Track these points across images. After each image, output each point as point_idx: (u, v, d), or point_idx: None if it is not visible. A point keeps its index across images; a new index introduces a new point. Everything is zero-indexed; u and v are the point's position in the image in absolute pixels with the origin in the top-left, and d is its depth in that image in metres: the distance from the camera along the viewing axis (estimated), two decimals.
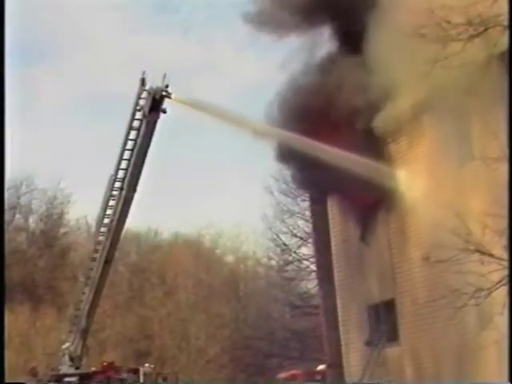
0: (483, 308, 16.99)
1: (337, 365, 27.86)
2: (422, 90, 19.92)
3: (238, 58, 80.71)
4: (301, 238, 44.79)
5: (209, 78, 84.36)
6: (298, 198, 43.20)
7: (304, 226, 43.62)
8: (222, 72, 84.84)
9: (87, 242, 55.18)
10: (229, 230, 64.88)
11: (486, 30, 15.97)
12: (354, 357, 26.65)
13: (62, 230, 60.15)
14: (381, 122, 22.54)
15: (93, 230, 57.38)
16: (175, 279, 57.42)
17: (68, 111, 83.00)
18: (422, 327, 23.30)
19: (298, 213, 44.45)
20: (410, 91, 20.34)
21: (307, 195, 34.80)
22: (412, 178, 22.67)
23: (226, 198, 78.02)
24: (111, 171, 28.69)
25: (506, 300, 15.70)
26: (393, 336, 24.88)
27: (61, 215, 60.05)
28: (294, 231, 45.27)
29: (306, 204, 38.22)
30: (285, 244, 46.03)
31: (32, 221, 59.91)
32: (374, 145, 23.06)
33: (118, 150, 28.44)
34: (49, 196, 59.13)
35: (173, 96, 26.52)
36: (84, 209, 64.58)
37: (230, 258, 64.98)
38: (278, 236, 46.27)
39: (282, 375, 38.95)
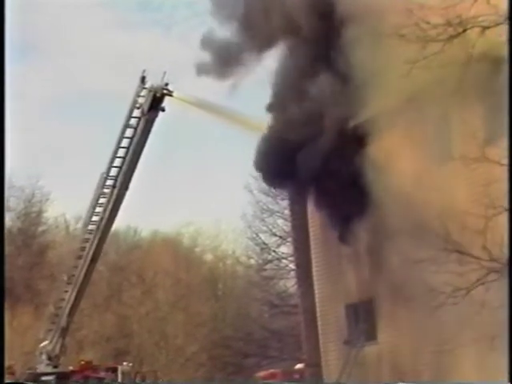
0: (462, 307, 17.07)
1: (315, 364, 27.89)
2: (401, 90, 19.98)
3: None
4: (280, 237, 44.81)
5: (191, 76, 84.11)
6: (278, 197, 43.26)
7: (283, 224, 43.68)
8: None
9: (65, 240, 55.09)
10: (208, 228, 64.83)
11: (464, 30, 16.08)
12: (332, 356, 26.68)
13: (40, 229, 59.80)
14: (360, 121, 22.59)
15: (71, 228, 57.57)
16: (154, 278, 57.26)
17: (48, 108, 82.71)
18: (401, 326, 23.37)
19: (278, 212, 44.51)
20: (389, 91, 20.38)
21: (286, 194, 34.82)
22: (391, 178, 22.69)
23: (205, 196, 77.97)
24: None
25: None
26: (371, 335, 24.95)
27: (39, 213, 59.69)
28: (274, 230, 45.32)
29: (286, 203, 38.25)
30: (264, 243, 46.06)
31: (9, 219, 59.54)
32: (354, 144, 23.11)
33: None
34: (27, 194, 58.83)
35: (174, 94, 26.46)
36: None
37: (209, 257, 64.88)
38: (257, 235, 46.32)
39: (261, 374, 38.94)
